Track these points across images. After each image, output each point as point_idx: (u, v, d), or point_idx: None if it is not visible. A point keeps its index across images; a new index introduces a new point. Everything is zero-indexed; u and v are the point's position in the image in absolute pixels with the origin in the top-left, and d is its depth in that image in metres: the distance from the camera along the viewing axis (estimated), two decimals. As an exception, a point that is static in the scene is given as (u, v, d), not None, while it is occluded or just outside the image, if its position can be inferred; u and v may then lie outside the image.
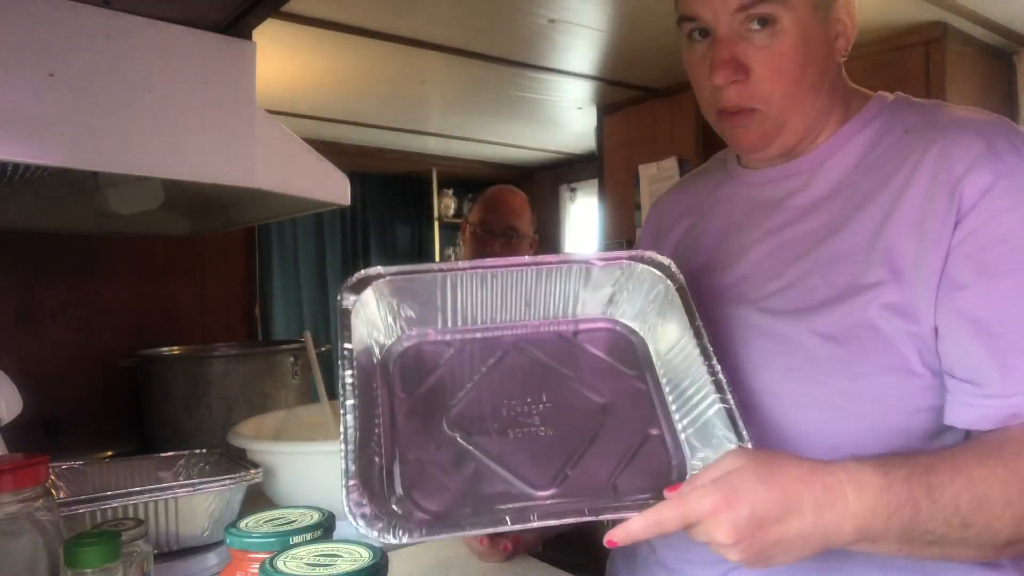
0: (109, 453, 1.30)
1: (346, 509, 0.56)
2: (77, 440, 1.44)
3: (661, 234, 1.00)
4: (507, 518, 0.60)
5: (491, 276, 0.80)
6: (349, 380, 0.67)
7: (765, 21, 0.75)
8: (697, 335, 0.73)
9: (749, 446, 0.65)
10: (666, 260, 0.80)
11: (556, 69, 2.89)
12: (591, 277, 0.82)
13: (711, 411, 0.70)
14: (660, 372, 0.79)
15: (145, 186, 1.11)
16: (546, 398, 0.76)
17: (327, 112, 3.47)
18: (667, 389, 0.77)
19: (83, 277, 1.61)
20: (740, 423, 0.67)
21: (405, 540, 0.56)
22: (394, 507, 0.63)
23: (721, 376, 0.70)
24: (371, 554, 0.52)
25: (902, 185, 0.74)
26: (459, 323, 0.81)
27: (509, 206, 1.90)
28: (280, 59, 2.67)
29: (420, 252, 4.94)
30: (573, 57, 2.77)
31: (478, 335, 0.81)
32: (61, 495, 0.93)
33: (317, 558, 0.51)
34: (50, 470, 0.69)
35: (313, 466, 0.96)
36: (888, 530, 0.60)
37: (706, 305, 0.83)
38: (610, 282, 0.82)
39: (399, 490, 0.65)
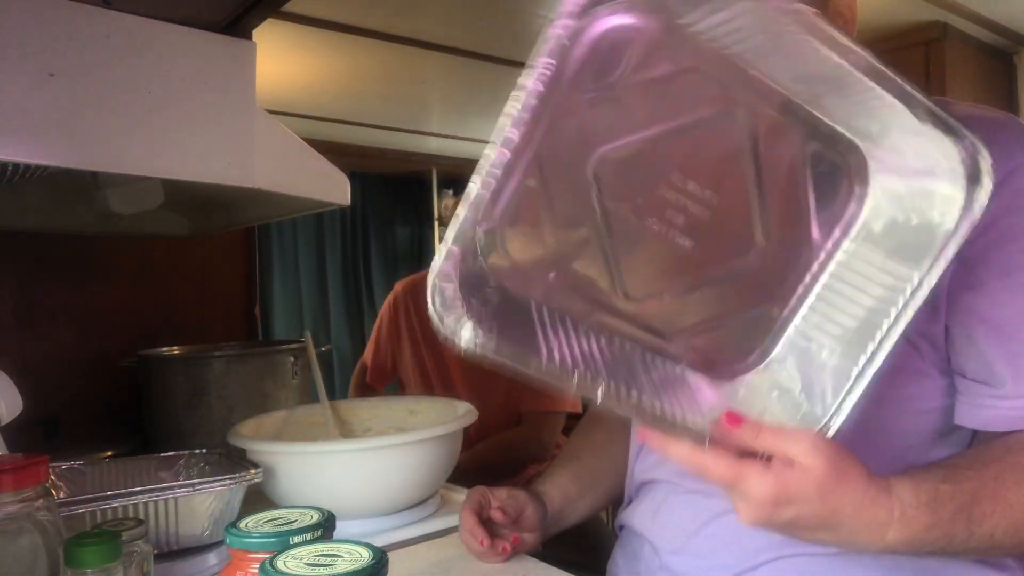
0: (109, 453, 1.30)
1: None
2: (77, 440, 1.44)
3: None
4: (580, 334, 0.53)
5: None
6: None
7: None
8: (920, 282, 0.58)
9: (833, 429, 0.59)
10: None
11: (556, 69, 2.89)
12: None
13: (834, 357, 0.60)
14: (846, 252, 0.62)
15: (145, 186, 1.11)
16: (715, 200, 0.59)
17: (327, 112, 3.47)
18: (830, 279, 0.62)
19: (83, 277, 1.61)
20: (848, 400, 0.59)
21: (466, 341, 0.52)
22: (477, 246, 0.53)
23: (886, 343, 0.58)
24: (371, 554, 0.52)
25: None
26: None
27: None
28: (280, 59, 2.67)
29: (420, 252, 4.94)
30: (573, 57, 2.77)
31: (712, 73, 0.57)
32: (61, 495, 0.93)
33: (317, 558, 0.51)
34: (50, 470, 0.69)
35: (313, 466, 0.96)
36: (914, 556, 0.62)
37: None
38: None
39: (497, 216, 0.54)
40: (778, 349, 0.64)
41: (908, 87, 0.57)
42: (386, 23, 2.38)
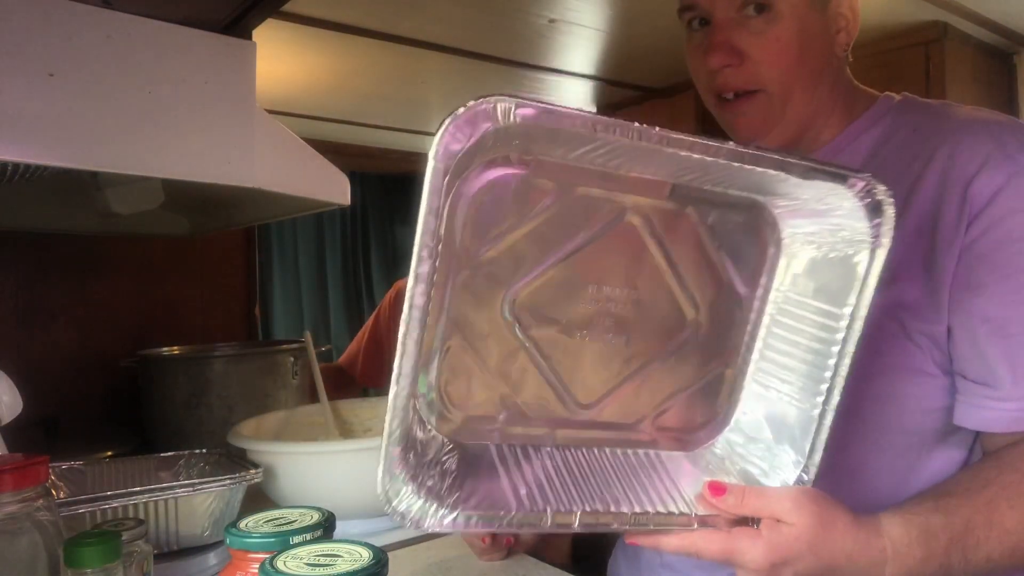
0: (109, 453, 1.30)
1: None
2: (77, 440, 1.44)
3: None
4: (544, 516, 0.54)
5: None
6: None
7: (761, 7, 0.76)
8: (852, 316, 0.59)
9: (812, 472, 0.62)
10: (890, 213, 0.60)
11: (556, 69, 2.89)
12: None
13: (793, 402, 0.62)
14: (776, 302, 0.65)
15: (145, 186, 1.11)
16: (636, 294, 0.61)
17: (327, 112, 3.46)
18: (769, 327, 0.64)
19: (83, 277, 1.61)
20: (817, 440, 0.61)
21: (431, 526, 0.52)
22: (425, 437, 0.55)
23: (838, 380, 0.60)
24: (371, 554, 0.52)
25: (911, 186, 0.74)
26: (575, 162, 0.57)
27: None
28: (280, 59, 2.67)
29: (420, 252, 4.93)
30: (573, 57, 2.77)
31: (593, 190, 0.59)
32: (61, 495, 0.93)
33: (317, 558, 0.51)
34: (50, 470, 0.69)
35: (313, 466, 0.96)
36: (920, 569, 0.61)
37: None
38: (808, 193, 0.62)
39: (433, 381, 0.57)
40: (740, 405, 0.66)
41: (780, 157, 0.58)
42: (386, 23, 2.38)
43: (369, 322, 2.02)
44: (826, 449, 0.62)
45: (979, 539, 0.62)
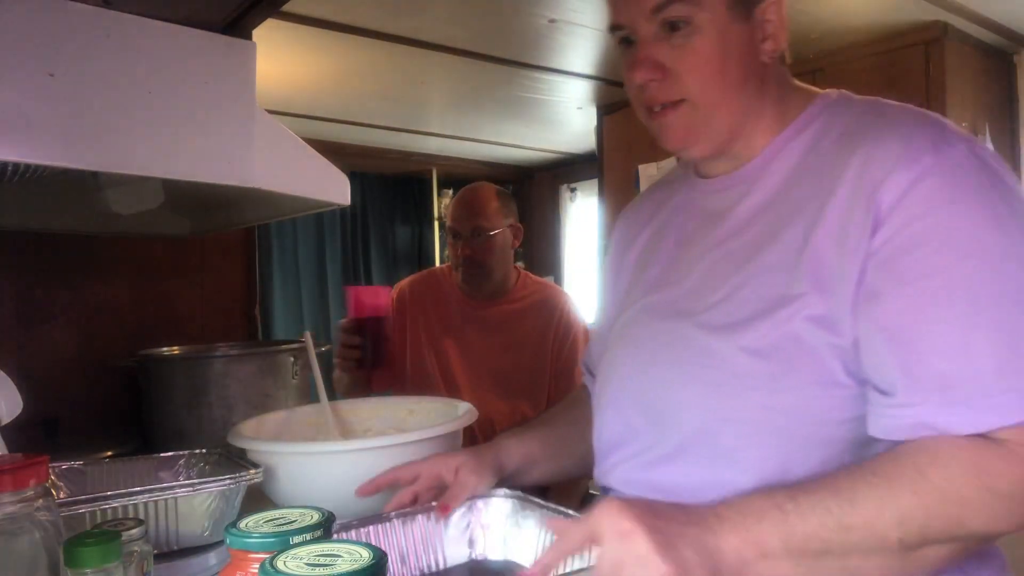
0: (109, 453, 1.30)
1: None
2: (77, 440, 1.44)
3: (625, 250, 1.01)
4: None
5: None
6: None
7: (680, 23, 0.78)
8: None
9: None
10: None
11: (556, 69, 2.89)
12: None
13: None
14: None
15: (145, 186, 1.11)
16: None
17: (327, 112, 3.47)
18: None
19: (83, 277, 1.61)
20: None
21: None
22: None
23: None
24: (371, 554, 0.52)
25: (828, 193, 0.74)
26: None
27: (471, 206, 1.89)
28: (280, 59, 2.67)
29: (420, 252, 4.94)
30: (573, 57, 2.77)
31: None
32: (61, 495, 0.93)
33: (317, 558, 0.51)
34: (50, 470, 0.69)
35: (313, 466, 0.96)
36: (766, 535, 0.63)
37: (653, 320, 0.85)
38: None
39: None
40: None
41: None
42: (386, 23, 2.38)
43: None
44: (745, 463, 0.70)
45: (807, 488, 0.65)
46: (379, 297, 1.60)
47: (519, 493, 0.85)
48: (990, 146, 2.43)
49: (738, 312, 0.76)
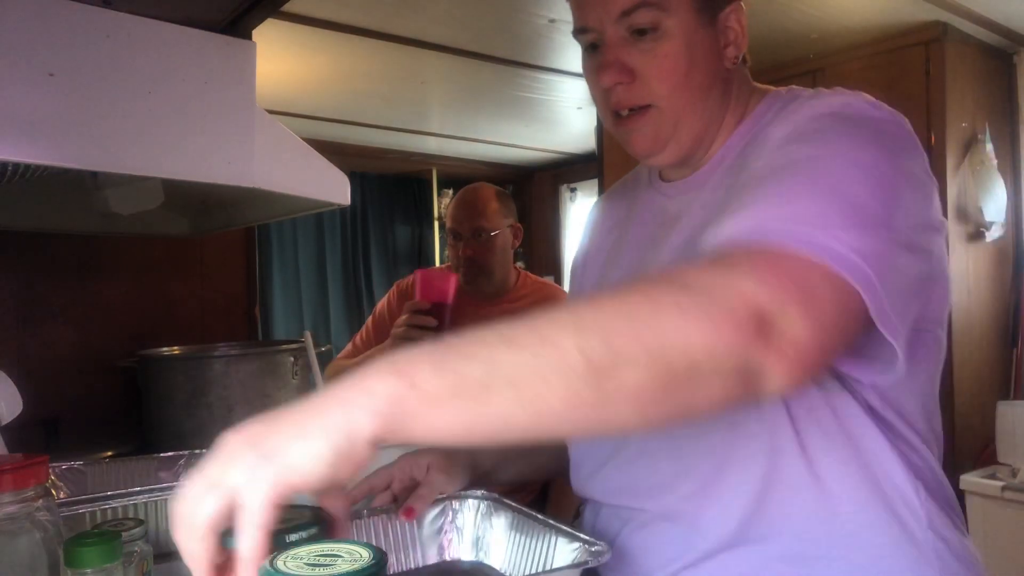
0: (109, 453, 1.30)
1: None
2: (77, 440, 1.44)
3: (593, 248, 1.01)
4: None
5: None
6: None
7: (649, 28, 0.78)
8: None
9: None
10: None
11: (556, 69, 2.89)
12: None
13: None
14: None
15: (145, 186, 1.11)
16: None
17: (327, 112, 3.47)
18: None
19: (83, 277, 1.61)
20: None
21: None
22: None
23: None
24: (371, 554, 0.52)
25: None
26: None
27: (472, 207, 1.90)
28: (280, 59, 2.67)
29: (420, 252, 4.94)
30: (573, 57, 2.77)
31: None
32: (61, 495, 0.93)
33: (317, 558, 0.51)
34: (50, 470, 0.69)
35: (313, 466, 0.96)
36: (417, 366, 0.49)
37: None
38: None
39: None
40: None
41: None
42: (386, 23, 2.38)
43: (369, 322, 2.01)
44: None
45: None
46: (447, 282, 1.62)
47: (493, 495, 0.84)
48: (990, 146, 2.43)
49: None
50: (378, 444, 0.49)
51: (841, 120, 0.70)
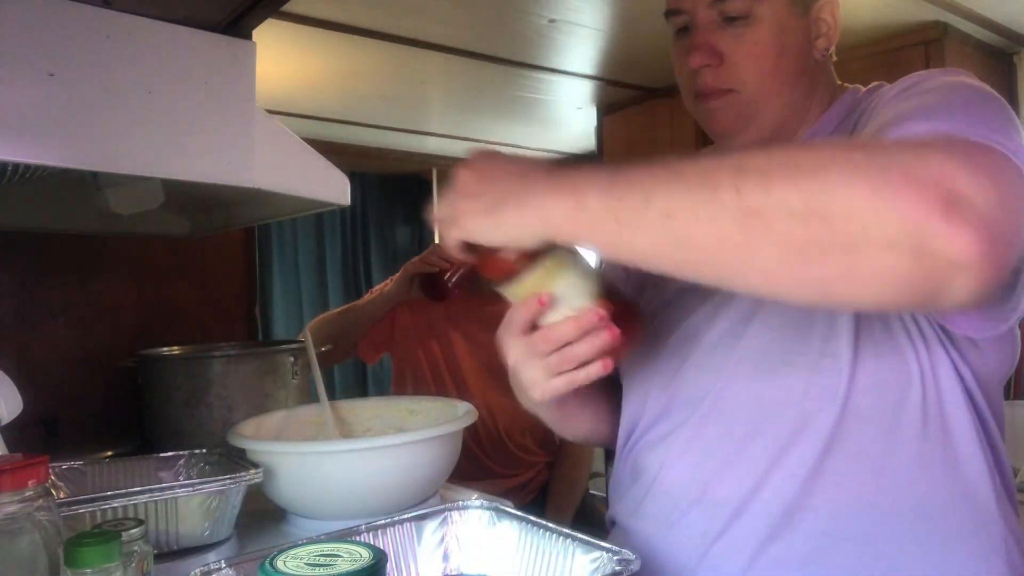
0: (109, 453, 1.30)
1: None
2: (77, 440, 1.44)
3: None
4: None
5: None
6: None
7: (739, 14, 0.79)
8: None
9: None
10: None
11: (556, 69, 2.89)
12: None
13: None
14: None
15: (145, 186, 1.11)
16: None
17: (327, 112, 3.46)
18: None
19: (83, 277, 1.61)
20: None
21: None
22: None
23: None
24: (371, 554, 0.52)
25: None
26: None
27: None
28: (280, 59, 2.67)
29: (420, 252, 4.93)
30: (573, 57, 2.77)
31: None
32: (61, 495, 0.93)
33: (317, 558, 0.51)
34: (50, 470, 0.69)
35: (313, 466, 0.96)
36: (587, 184, 0.57)
37: (687, 298, 0.86)
38: None
39: None
40: None
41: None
42: (386, 23, 2.38)
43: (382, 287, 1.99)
44: None
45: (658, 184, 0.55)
46: None
47: (495, 504, 0.83)
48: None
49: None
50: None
51: (963, 84, 0.69)
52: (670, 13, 0.85)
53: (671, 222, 0.52)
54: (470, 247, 0.65)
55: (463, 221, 0.63)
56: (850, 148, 0.53)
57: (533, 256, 0.66)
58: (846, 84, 0.88)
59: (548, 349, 0.68)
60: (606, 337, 0.66)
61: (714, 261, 0.54)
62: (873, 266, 0.47)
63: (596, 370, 0.68)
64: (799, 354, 0.74)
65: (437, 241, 1.87)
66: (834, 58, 0.87)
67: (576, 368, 0.68)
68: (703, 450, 0.80)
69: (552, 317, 0.68)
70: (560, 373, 0.68)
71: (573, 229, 0.58)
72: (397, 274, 1.91)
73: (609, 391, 0.97)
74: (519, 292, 0.69)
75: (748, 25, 0.79)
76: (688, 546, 0.79)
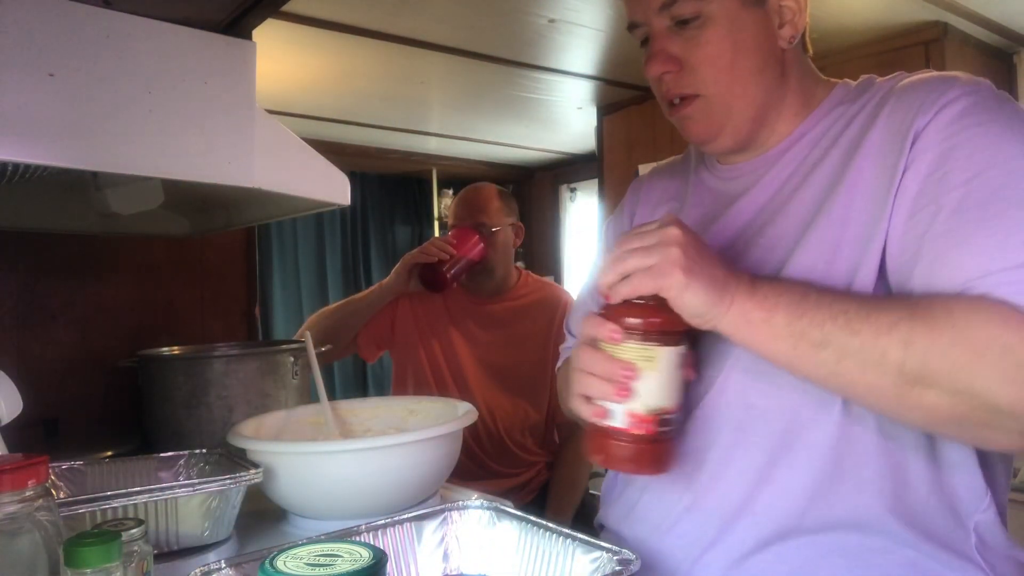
0: (109, 453, 1.30)
1: None
2: (77, 440, 1.44)
3: (638, 215, 1.01)
4: None
5: None
6: None
7: (688, 16, 0.79)
8: None
9: None
10: None
11: (556, 69, 2.89)
12: None
13: None
14: None
15: (145, 186, 1.11)
16: None
17: (327, 112, 3.46)
18: None
19: (83, 277, 1.61)
20: None
21: None
22: None
23: None
24: (371, 554, 0.52)
25: (855, 144, 0.76)
26: None
27: (473, 204, 1.91)
28: (280, 59, 2.67)
29: (420, 252, 4.93)
30: (573, 57, 2.77)
31: None
32: (61, 495, 0.93)
33: (317, 558, 0.51)
34: (50, 470, 0.69)
35: (313, 466, 0.96)
36: (779, 306, 0.65)
37: None
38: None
39: None
40: None
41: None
42: (386, 23, 2.38)
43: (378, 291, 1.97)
44: None
45: (836, 294, 0.66)
46: (472, 237, 1.85)
47: (495, 504, 0.83)
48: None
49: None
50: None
51: (996, 125, 0.69)
52: (631, 27, 0.85)
53: (839, 367, 0.64)
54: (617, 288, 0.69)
55: (667, 275, 0.65)
56: (1006, 326, 0.60)
57: (658, 337, 0.69)
58: (833, 80, 0.87)
59: (596, 376, 0.71)
60: (637, 449, 0.70)
61: (863, 400, 0.67)
62: (999, 439, 0.63)
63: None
64: None
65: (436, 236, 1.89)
66: (810, 50, 0.86)
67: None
68: (694, 458, 0.80)
69: (623, 376, 0.70)
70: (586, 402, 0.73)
71: (751, 334, 0.66)
72: (396, 266, 1.91)
73: None
74: (626, 352, 0.69)
75: (700, 27, 0.78)
76: (679, 555, 0.79)
